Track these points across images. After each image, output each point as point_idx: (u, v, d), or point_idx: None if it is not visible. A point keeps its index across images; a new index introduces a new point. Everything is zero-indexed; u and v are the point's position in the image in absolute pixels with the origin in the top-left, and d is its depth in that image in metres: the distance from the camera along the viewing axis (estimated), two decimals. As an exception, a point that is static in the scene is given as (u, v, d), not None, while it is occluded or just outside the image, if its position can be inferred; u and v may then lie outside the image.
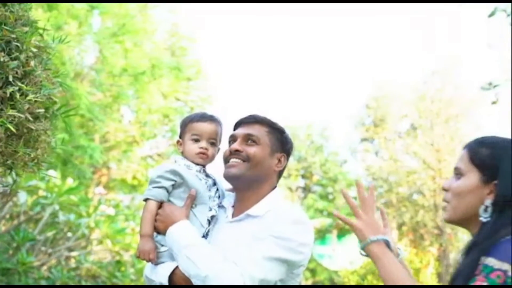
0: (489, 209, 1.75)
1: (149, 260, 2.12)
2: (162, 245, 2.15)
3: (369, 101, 18.70)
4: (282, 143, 2.29)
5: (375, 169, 17.38)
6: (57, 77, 2.23)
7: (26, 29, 2.03)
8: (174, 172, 2.16)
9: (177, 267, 2.08)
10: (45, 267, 6.24)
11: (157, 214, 2.16)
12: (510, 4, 7.54)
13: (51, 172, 6.64)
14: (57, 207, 6.08)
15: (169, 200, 2.18)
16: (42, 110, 2.10)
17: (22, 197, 5.71)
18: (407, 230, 16.26)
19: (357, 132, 19.34)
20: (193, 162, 2.24)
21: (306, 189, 19.81)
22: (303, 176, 19.74)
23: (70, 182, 6.57)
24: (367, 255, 1.86)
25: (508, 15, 7.64)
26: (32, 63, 2.03)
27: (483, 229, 1.75)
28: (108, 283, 6.73)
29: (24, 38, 2.01)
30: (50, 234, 6.31)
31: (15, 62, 1.97)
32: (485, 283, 1.59)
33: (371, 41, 33.29)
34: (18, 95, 1.97)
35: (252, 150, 2.20)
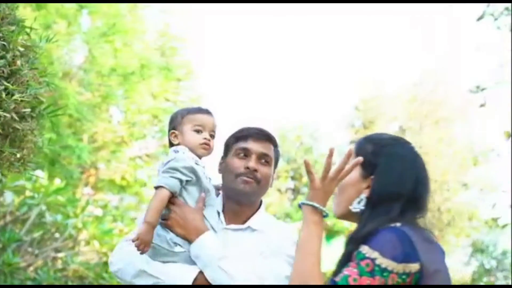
0: (362, 202, 1.83)
1: (142, 251, 2.05)
2: (176, 244, 2.10)
3: (358, 103, 18.77)
4: (277, 161, 2.36)
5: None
6: (44, 76, 2.22)
7: (12, 28, 2.02)
8: (192, 170, 2.13)
9: (200, 272, 2.07)
10: (31, 268, 6.19)
11: (168, 207, 2.12)
12: (498, 7, 7.61)
13: (38, 172, 6.60)
14: (44, 207, 6.04)
15: (180, 196, 2.15)
16: (28, 110, 2.09)
17: (9, 197, 5.67)
18: None
19: (347, 133, 19.40)
20: (195, 153, 2.20)
21: (296, 191, 19.83)
22: (293, 178, 19.76)
23: (57, 182, 6.53)
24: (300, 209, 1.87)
25: (495, 19, 7.70)
26: (18, 62, 2.02)
27: (361, 220, 1.81)
28: (95, 284, 6.70)
29: (10, 37, 2.00)
30: (37, 234, 6.26)
31: (1, 61, 1.95)
32: (355, 269, 1.65)
33: (361, 43, 33.44)
34: (4, 95, 1.96)
35: (265, 171, 2.25)
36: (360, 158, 1.83)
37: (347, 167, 1.82)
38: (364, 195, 1.84)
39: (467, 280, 15.63)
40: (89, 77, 10.88)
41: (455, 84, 16.83)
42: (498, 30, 8.01)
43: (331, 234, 16.80)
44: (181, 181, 2.10)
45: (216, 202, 2.24)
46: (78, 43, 10.79)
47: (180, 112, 2.29)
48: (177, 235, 2.10)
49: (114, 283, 6.88)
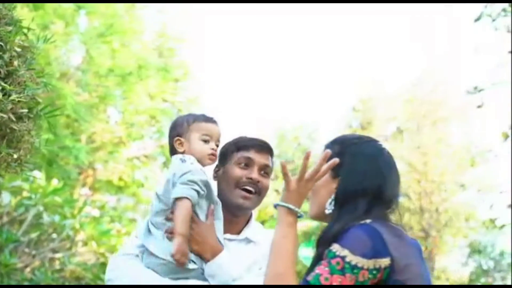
0: (333, 202, 1.87)
1: (181, 264, 2.01)
2: (190, 261, 2.06)
3: (356, 103, 18.78)
4: (272, 171, 2.36)
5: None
6: (41, 77, 2.21)
7: (9, 28, 2.01)
8: (206, 184, 2.12)
9: None
10: (28, 269, 6.18)
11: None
12: (495, 8, 7.62)
13: (35, 172, 6.57)
14: (41, 208, 6.03)
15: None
16: (25, 110, 2.08)
17: (6, 197, 5.66)
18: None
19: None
20: (201, 162, 2.17)
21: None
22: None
23: (55, 183, 6.51)
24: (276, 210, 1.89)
25: (493, 20, 7.72)
26: (15, 62, 2.01)
27: (332, 220, 1.85)
28: (93, 285, 6.68)
29: (7, 38, 1.99)
30: (34, 235, 6.25)
31: (-1, 62, 1.95)
32: (326, 268, 1.68)
33: (359, 44, 33.47)
34: (1, 95, 1.95)
35: (265, 183, 2.26)
36: (337, 159, 1.85)
37: (323, 168, 1.85)
38: (333, 195, 1.88)
39: (465, 281, 15.65)
40: (87, 77, 10.87)
41: (453, 84, 16.86)
42: (496, 31, 8.03)
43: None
44: (198, 194, 2.08)
45: (221, 215, 2.22)
46: (76, 44, 10.78)
47: (186, 119, 2.23)
48: (192, 251, 2.07)
49: (112, 284, 6.86)
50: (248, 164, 2.25)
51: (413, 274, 1.73)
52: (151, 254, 2.11)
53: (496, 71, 8.65)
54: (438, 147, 16.49)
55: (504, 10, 7.78)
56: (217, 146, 2.23)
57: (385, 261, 1.69)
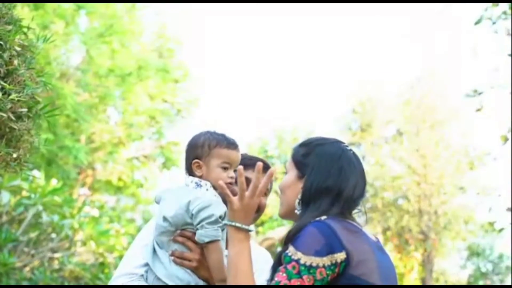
0: (301, 202, 1.90)
1: None
2: None
3: (356, 106, 18.78)
4: (270, 189, 2.36)
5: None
6: (41, 76, 2.21)
7: (9, 27, 2.01)
8: (226, 213, 2.08)
9: None
10: (27, 268, 6.18)
11: (185, 244, 2.06)
12: (495, 11, 7.62)
13: (35, 172, 6.59)
14: (40, 207, 6.02)
15: None
16: (25, 110, 2.07)
17: (5, 197, 5.65)
18: (391, 235, 16.33)
19: (344, 136, 19.39)
20: (216, 189, 2.12)
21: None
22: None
23: (54, 182, 6.51)
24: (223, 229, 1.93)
25: (493, 23, 7.72)
26: (15, 62, 2.01)
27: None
28: (91, 284, 6.68)
29: (7, 37, 1.99)
30: (33, 235, 6.24)
31: (-2, 61, 1.95)
32: (284, 274, 1.72)
33: (358, 46, 33.47)
34: (0, 94, 1.95)
35: (263, 202, 2.25)
36: (272, 170, 1.93)
37: (262, 181, 1.88)
38: (300, 195, 1.91)
39: (463, 284, 15.65)
40: (87, 77, 10.87)
41: (451, 87, 16.86)
42: (496, 34, 8.03)
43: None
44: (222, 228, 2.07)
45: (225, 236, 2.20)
46: (76, 44, 10.78)
47: (208, 142, 2.14)
48: (201, 277, 2.05)
49: (110, 284, 6.86)
50: (246, 184, 2.24)
51: (368, 269, 1.75)
52: (158, 278, 2.07)
53: (495, 74, 8.65)
54: (437, 150, 16.49)
55: (504, 13, 7.78)
56: (235, 172, 2.17)
57: (340, 256, 1.72)
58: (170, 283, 2.04)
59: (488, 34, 8.12)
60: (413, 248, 16.21)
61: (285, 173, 2.02)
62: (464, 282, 15.73)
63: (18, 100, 2.01)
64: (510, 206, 8.41)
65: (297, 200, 1.92)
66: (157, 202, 2.18)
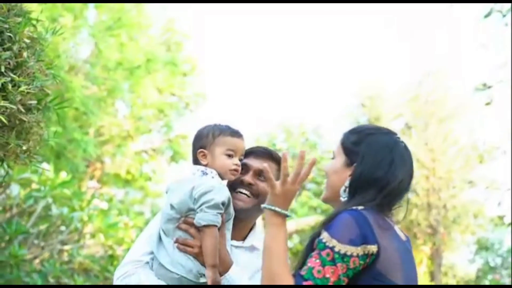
0: (347, 190, 1.91)
1: None
2: (202, 275, 2.06)
3: (364, 100, 18.71)
4: None
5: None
6: (50, 68, 2.22)
7: (19, 19, 2.02)
8: (228, 201, 2.12)
9: None
10: (37, 260, 6.22)
11: (188, 232, 2.08)
12: (505, 4, 7.56)
13: (44, 165, 6.62)
14: (50, 200, 6.05)
15: None
16: (34, 102, 2.09)
17: (15, 189, 5.69)
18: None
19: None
20: (222, 177, 2.17)
21: (300, 187, 19.86)
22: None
23: (63, 175, 6.54)
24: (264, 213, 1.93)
25: (503, 16, 7.65)
26: (24, 54, 2.02)
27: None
28: (101, 277, 6.72)
29: (17, 29, 2.00)
30: (43, 227, 6.28)
31: (8, 53, 1.95)
32: (318, 260, 1.72)
33: (366, 40, 33.32)
34: (10, 86, 1.96)
35: (262, 186, 2.25)
36: (314, 159, 1.92)
37: (305, 169, 1.89)
38: (347, 182, 1.92)
39: (472, 278, 15.61)
40: (95, 71, 10.90)
41: (460, 82, 16.77)
42: (506, 27, 7.96)
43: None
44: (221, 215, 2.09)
45: (231, 226, 2.21)
46: (84, 37, 10.80)
47: (212, 131, 2.20)
48: (203, 264, 2.06)
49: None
50: (244, 169, 2.25)
51: (393, 267, 1.76)
52: (162, 266, 2.10)
53: (503, 68, 8.58)
54: (446, 144, 16.41)
55: (514, 5, 7.71)
56: (241, 160, 2.23)
57: (373, 248, 1.73)
58: (173, 270, 2.07)
59: (498, 28, 8.04)
60: (422, 242, 16.17)
61: (332, 158, 2.02)
62: (472, 276, 15.68)
63: (28, 92, 2.02)
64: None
65: (343, 187, 1.92)
66: (166, 193, 2.21)
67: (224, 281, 2.07)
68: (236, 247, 2.24)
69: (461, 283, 15.94)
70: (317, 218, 16.89)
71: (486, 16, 7.82)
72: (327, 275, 1.70)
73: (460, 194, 16.40)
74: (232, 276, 2.09)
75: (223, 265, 2.08)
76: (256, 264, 2.21)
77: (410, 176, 1.96)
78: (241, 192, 2.24)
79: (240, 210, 2.21)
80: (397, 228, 1.92)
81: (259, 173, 2.27)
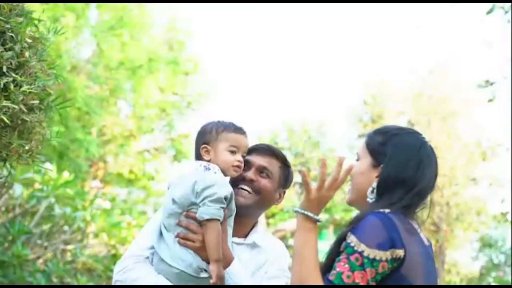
0: (375, 191, 1.89)
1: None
2: (202, 270, 2.06)
3: (367, 97, 18.68)
4: (286, 180, 2.36)
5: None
6: (52, 68, 2.21)
7: (20, 19, 2.01)
8: (231, 196, 2.12)
9: None
10: (41, 260, 6.23)
11: (189, 228, 2.08)
12: (508, 2, 7.53)
13: (47, 165, 6.62)
14: (53, 200, 6.06)
15: None
16: (36, 102, 2.08)
17: (18, 189, 5.69)
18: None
19: (355, 128, 19.31)
20: (225, 173, 2.17)
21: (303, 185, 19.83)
22: (300, 172, 19.76)
23: (66, 175, 6.55)
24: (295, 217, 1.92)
25: (506, 12, 7.63)
26: (26, 54, 2.02)
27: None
28: (104, 277, 6.73)
29: (18, 29, 2.00)
30: (46, 227, 6.30)
31: (10, 53, 1.95)
32: (346, 265, 1.72)
33: (369, 38, 33.29)
34: (12, 86, 1.96)
35: (264, 183, 2.25)
36: (352, 164, 1.92)
37: (341, 175, 1.87)
38: (375, 184, 1.90)
39: (475, 275, 15.59)
40: (97, 70, 10.91)
41: (463, 79, 16.72)
42: (508, 24, 7.93)
43: (339, 228, 16.80)
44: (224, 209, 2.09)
45: (232, 222, 2.21)
46: (86, 37, 10.81)
47: (216, 127, 2.20)
48: (204, 259, 2.06)
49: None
50: (246, 165, 2.25)
51: (416, 272, 1.77)
52: (162, 260, 2.09)
53: (506, 64, 8.56)
54: (449, 141, 16.38)
55: (517, 1, 7.68)
56: (244, 157, 2.23)
57: (400, 252, 1.73)
58: (173, 264, 2.06)
59: (501, 24, 8.02)
60: (425, 239, 16.15)
61: (357, 160, 2.01)
62: (476, 273, 15.65)
63: (30, 92, 2.02)
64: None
65: (370, 189, 1.91)
66: (168, 188, 2.21)
67: (226, 276, 2.07)
68: (238, 244, 2.24)
69: (465, 281, 15.92)
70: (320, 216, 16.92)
71: (489, 12, 7.80)
72: (357, 280, 1.70)
73: (463, 191, 16.37)
74: (234, 271, 2.09)
75: (225, 260, 2.07)
76: (258, 261, 2.22)
77: (435, 176, 1.97)
78: (243, 188, 2.23)
79: (241, 206, 2.20)
80: (421, 233, 1.92)
81: (262, 170, 2.26)
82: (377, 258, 1.71)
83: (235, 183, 2.23)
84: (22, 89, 1.98)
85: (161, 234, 2.15)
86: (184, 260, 2.06)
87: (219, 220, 2.04)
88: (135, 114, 13.43)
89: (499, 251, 15.29)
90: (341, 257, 1.75)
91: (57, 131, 2.47)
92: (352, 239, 1.75)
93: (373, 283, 1.72)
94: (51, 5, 9.22)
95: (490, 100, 8.75)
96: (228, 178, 2.22)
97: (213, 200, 2.04)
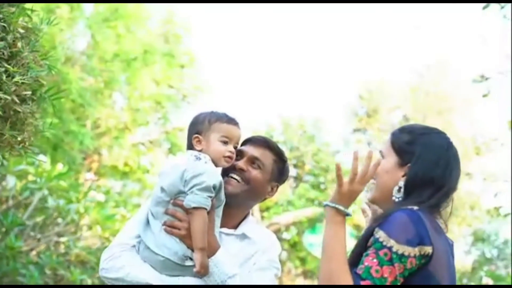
0: (402, 190, 1.90)
1: (203, 275, 2.05)
2: (187, 258, 2.06)
3: (362, 92, 18.70)
4: (281, 174, 2.34)
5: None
6: (45, 59, 2.20)
7: (13, 9, 1.99)
8: (220, 186, 2.12)
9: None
10: (34, 252, 6.22)
11: (176, 216, 2.08)
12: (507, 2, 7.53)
13: (41, 156, 6.60)
14: (46, 192, 6.04)
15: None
16: (29, 93, 2.07)
17: (11, 181, 5.67)
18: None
19: (350, 122, 19.34)
20: (215, 163, 2.17)
21: (298, 179, 19.85)
22: (295, 166, 19.77)
23: (60, 167, 6.53)
24: (324, 211, 1.93)
25: (502, 7, 7.63)
26: (19, 44, 2.00)
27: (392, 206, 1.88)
28: (97, 269, 6.70)
29: (11, 19, 1.98)
30: (39, 219, 6.28)
31: (2, 43, 1.93)
32: (375, 260, 1.73)
33: (365, 33, 33.26)
34: (4, 77, 1.94)
35: (254, 173, 2.24)
36: (380, 159, 1.92)
37: (370, 169, 1.88)
38: (402, 183, 1.91)
39: (468, 269, 15.68)
40: (92, 62, 10.86)
41: (459, 74, 16.76)
42: (504, 20, 7.94)
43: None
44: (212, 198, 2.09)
45: (221, 213, 2.20)
46: (81, 28, 10.75)
47: (208, 117, 2.20)
48: (189, 247, 2.06)
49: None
50: (239, 155, 2.26)
51: (442, 270, 1.78)
52: (148, 248, 2.10)
53: (502, 60, 8.58)
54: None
55: (513, -2, 7.68)
56: (236, 148, 2.22)
57: (428, 249, 1.75)
58: (158, 252, 2.07)
59: (497, 20, 8.03)
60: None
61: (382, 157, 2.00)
62: (468, 267, 15.74)
63: (22, 83, 2.00)
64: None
65: (397, 187, 1.91)
66: (159, 177, 2.22)
67: (211, 264, 2.07)
68: (227, 234, 2.23)
69: (457, 275, 16.02)
70: (314, 210, 16.96)
71: (485, 7, 7.79)
72: (385, 275, 1.71)
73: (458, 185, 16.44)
74: (219, 259, 2.08)
75: (210, 249, 2.07)
76: (247, 253, 2.21)
77: (459, 175, 1.99)
78: (232, 177, 2.23)
79: (229, 195, 2.19)
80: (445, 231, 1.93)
81: (253, 161, 2.26)
82: (406, 254, 1.72)
83: (226, 172, 2.24)
84: (15, 79, 1.97)
85: (148, 222, 2.15)
86: (170, 248, 2.06)
87: (206, 209, 2.04)
88: (130, 106, 13.39)
89: (492, 245, 15.38)
90: (369, 251, 1.76)
91: (50, 122, 2.46)
92: (380, 234, 1.75)
93: (401, 279, 1.73)
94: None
95: (485, 95, 8.77)
96: (219, 169, 2.21)
97: (201, 188, 2.04)
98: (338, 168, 1.88)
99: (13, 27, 1.98)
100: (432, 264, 1.75)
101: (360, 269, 1.74)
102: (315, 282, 16.02)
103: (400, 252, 1.72)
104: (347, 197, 1.87)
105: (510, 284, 9.41)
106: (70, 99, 9.52)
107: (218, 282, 2.06)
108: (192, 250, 2.05)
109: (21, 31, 2.03)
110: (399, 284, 1.73)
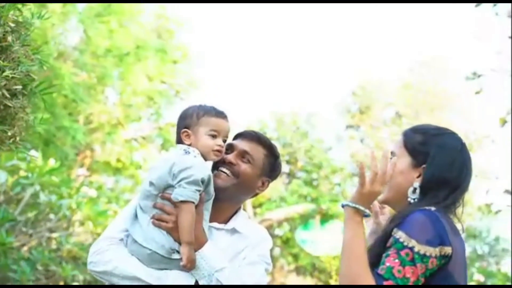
0: (417, 191, 1.90)
1: (190, 269, 2.05)
2: (174, 251, 2.06)
3: (355, 88, 18.73)
4: (272, 169, 2.33)
5: (360, 156, 17.46)
6: (36, 54, 2.18)
7: (2, 4, 1.98)
8: (208, 180, 2.11)
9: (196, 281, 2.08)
10: (25, 248, 6.19)
11: (163, 209, 2.08)
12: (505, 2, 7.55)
13: (32, 152, 6.57)
14: (38, 187, 6.02)
15: None
16: (19, 87, 2.06)
17: (2, 176, 5.64)
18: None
19: (343, 119, 19.37)
20: (205, 157, 2.16)
21: (291, 175, 19.87)
22: (288, 162, 19.78)
23: (51, 163, 6.50)
24: (343, 210, 1.92)
25: (494, 5, 7.65)
26: (9, 38, 1.98)
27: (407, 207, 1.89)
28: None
29: (1, 12, 1.96)
30: (31, 214, 6.25)
31: (-9, 37, 1.92)
32: (397, 260, 1.73)
33: (358, 29, 33.29)
34: (-6, 71, 1.93)
35: (244, 167, 2.23)
36: (395, 159, 1.92)
37: (389, 169, 1.88)
38: (417, 184, 1.91)
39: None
40: (84, 57, 10.80)
41: (451, 71, 16.81)
42: (496, 17, 7.97)
43: (325, 218, 16.90)
44: (200, 193, 2.08)
45: (210, 207, 2.20)
46: (73, 23, 10.69)
47: (196, 111, 2.20)
48: (176, 240, 2.06)
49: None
50: (229, 149, 2.25)
51: (460, 270, 1.80)
52: (135, 241, 2.10)
53: (495, 57, 8.61)
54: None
55: (505, -6, 7.71)
56: (225, 141, 2.22)
57: (448, 249, 1.76)
58: (145, 245, 2.07)
59: (490, 17, 8.05)
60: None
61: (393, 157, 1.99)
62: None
63: (13, 77, 1.99)
64: (508, 189, 8.42)
65: (412, 188, 1.91)
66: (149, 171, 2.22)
67: (198, 257, 2.07)
68: (217, 229, 2.22)
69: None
70: (306, 207, 16.99)
71: (477, 4, 7.81)
72: (407, 275, 1.72)
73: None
74: (206, 253, 2.08)
75: (197, 242, 2.07)
76: (236, 247, 2.21)
77: (471, 176, 2.00)
78: (222, 171, 2.22)
79: (219, 189, 2.18)
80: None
81: (243, 155, 2.25)
82: (427, 254, 1.72)
83: (215, 165, 2.24)
84: (5, 74, 1.95)
85: (136, 216, 2.15)
86: (157, 241, 2.06)
87: (193, 202, 2.04)
88: (123, 102, 13.34)
89: (483, 242, 15.48)
90: (389, 252, 1.76)
91: (41, 117, 2.44)
92: (400, 235, 1.75)
93: (423, 279, 1.73)
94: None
95: (477, 92, 8.80)
96: (209, 163, 2.21)
97: (189, 182, 2.04)
98: (361, 167, 1.88)
99: (3, 21, 1.97)
100: (451, 265, 1.76)
101: (381, 270, 1.74)
102: (308, 279, 16.05)
103: (422, 252, 1.72)
104: (367, 197, 1.87)
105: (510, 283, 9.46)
106: (63, 94, 9.47)
107: (206, 275, 2.06)
108: (179, 244, 2.05)
109: (12, 25, 2.02)
110: (420, 284, 1.74)
